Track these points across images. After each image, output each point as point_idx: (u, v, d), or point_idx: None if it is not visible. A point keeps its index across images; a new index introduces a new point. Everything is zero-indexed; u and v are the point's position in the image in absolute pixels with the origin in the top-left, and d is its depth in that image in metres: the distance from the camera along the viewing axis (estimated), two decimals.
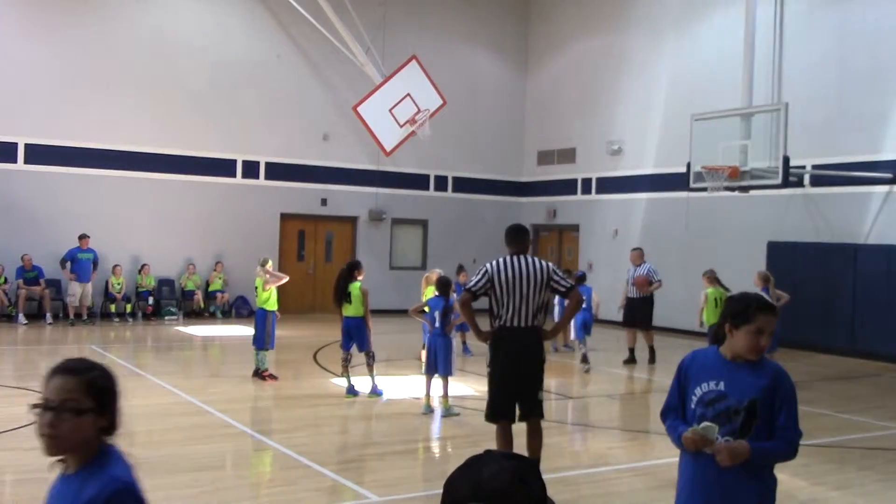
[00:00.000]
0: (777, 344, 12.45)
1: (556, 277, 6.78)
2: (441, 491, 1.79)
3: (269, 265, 12.10)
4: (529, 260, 6.79)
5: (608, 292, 20.40)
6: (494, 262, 6.80)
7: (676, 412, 3.71)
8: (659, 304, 15.17)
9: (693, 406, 3.60)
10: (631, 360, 14.63)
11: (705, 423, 3.49)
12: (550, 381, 12.26)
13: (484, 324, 7.01)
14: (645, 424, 10.27)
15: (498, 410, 6.85)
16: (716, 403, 3.54)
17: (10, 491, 6.89)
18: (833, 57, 16.47)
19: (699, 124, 15.92)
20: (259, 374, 11.87)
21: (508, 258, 6.80)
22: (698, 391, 3.60)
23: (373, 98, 18.98)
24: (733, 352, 3.60)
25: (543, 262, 6.85)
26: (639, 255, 15.09)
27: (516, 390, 6.79)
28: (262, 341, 11.82)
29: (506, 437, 6.84)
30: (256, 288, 11.97)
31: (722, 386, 3.56)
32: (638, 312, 14.72)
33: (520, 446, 6.82)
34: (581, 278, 14.49)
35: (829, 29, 16.62)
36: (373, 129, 19.06)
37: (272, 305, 11.81)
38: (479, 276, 6.80)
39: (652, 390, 12.71)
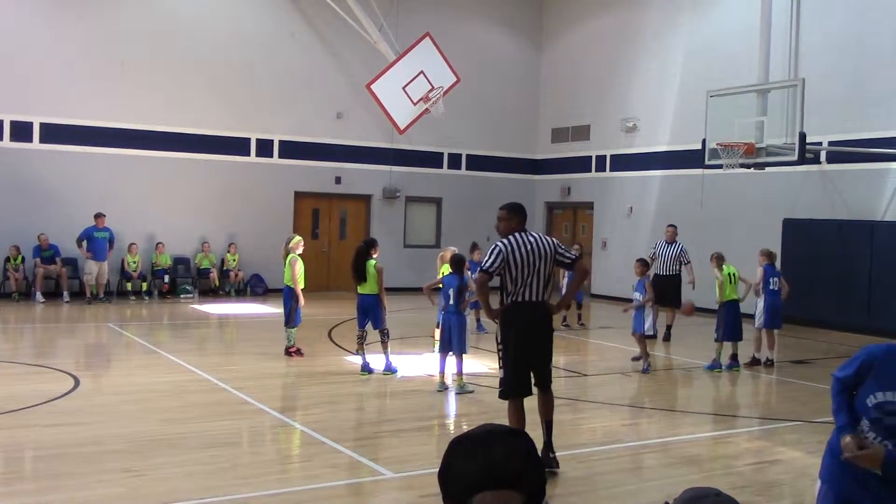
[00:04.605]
0: (780, 322, 12.40)
1: (560, 250, 6.97)
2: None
3: (295, 242, 12.10)
4: (536, 235, 6.96)
5: (622, 270, 20.39)
6: (507, 241, 6.84)
7: (847, 392, 3.52)
8: None
9: (869, 405, 3.39)
10: (651, 336, 14.65)
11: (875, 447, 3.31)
12: (561, 359, 12.34)
13: (494, 302, 7.05)
14: (659, 401, 10.28)
15: (514, 386, 6.88)
16: (893, 416, 3.34)
17: (30, 467, 6.98)
18: (851, 32, 16.27)
19: (715, 101, 15.80)
20: (287, 350, 12.02)
21: (519, 236, 6.86)
22: (880, 396, 3.38)
23: (386, 76, 18.90)
24: None
25: (546, 237, 7.05)
26: (674, 233, 15.04)
27: (530, 363, 6.86)
28: (288, 318, 11.96)
29: (519, 413, 6.86)
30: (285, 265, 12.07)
31: None
32: (665, 289, 14.69)
33: (530, 420, 6.85)
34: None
35: (848, 3, 16.42)
36: (386, 107, 19.00)
37: (300, 282, 11.87)
38: (493, 256, 6.81)
39: (672, 367, 12.72)
